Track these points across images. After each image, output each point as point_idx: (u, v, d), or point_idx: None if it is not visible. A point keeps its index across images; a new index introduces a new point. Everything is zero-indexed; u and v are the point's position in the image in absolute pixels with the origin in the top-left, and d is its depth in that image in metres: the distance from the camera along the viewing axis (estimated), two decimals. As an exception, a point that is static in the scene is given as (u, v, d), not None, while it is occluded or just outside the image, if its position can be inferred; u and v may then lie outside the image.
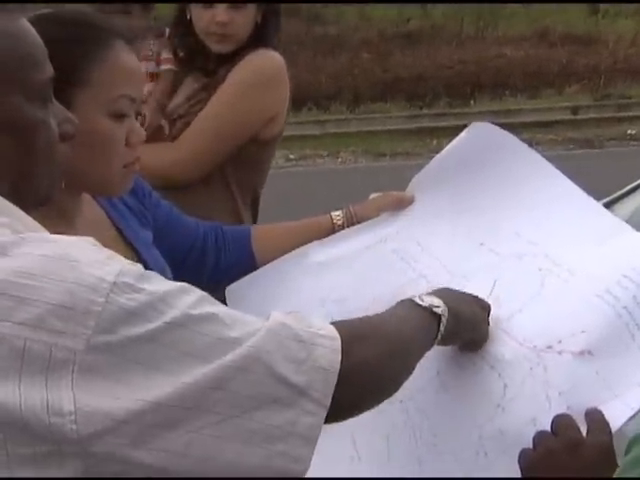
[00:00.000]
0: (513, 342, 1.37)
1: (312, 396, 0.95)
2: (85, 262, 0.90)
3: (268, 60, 2.38)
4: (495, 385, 1.34)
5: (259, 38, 2.37)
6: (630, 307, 1.32)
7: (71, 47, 1.36)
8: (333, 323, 1.04)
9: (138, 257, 1.54)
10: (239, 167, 2.38)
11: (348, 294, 1.61)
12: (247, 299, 1.72)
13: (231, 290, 1.76)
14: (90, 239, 0.96)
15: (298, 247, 1.74)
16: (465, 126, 1.72)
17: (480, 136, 1.68)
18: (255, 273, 1.75)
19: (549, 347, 1.33)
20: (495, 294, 1.44)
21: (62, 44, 1.31)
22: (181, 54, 2.48)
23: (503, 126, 1.69)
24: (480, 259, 1.53)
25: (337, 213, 1.77)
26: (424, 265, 1.58)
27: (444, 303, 1.23)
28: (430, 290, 1.45)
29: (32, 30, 1.03)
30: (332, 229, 1.75)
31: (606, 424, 1.21)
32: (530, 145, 1.67)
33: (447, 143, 1.75)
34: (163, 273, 1.54)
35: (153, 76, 2.52)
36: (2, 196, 0.98)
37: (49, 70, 1.04)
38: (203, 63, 2.42)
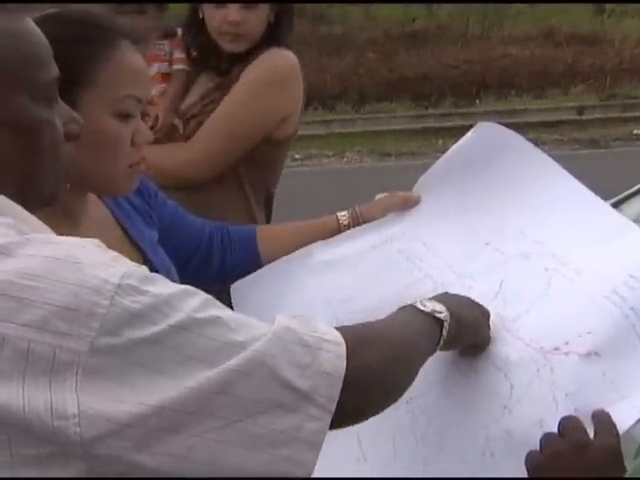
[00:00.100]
0: (520, 343, 1.36)
1: (317, 401, 0.95)
2: (89, 264, 0.90)
3: (281, 59, 2.36)
4: (502, 386, 1.34)
5: (272, 37, 2.35)
6: (637, 308, 1.31)
7: (77, 47, 1.36)
8: (337, 328, 1.04)
9: (143, 257, 1.54)
10: (252, 167, 2.36)
11: (353, 294, 1.61)
12: (251, 298, 1.71)
13: (235, 288, 1.76)
14: (95, 240, 0.96)
15: (304, 247, 1.74)
16: (471, 126, 1.72)
17: (486, 136, 1.68)
18: (260, 272, 1.75)
19: (556, 348, 1.32)
20: (502, 294, 1.44)
21: (68, 44, 1.31)
22: (194, 54, 2.47)
23: (509, 126, 1.68)
24: (486, 259, 1.53)
25: (343, 213, 1.77)
26: (430, 265, 1.58)
27: (446, 308, 1.23)
28: (436, 290, 1.46)
29: (37, 30, 1.03)
30: (338, 229, 1.75)
31: (613, 426, 1.21)
32: (536, 145, 1.67)
33: (453, 143, 1.75)
34: (169, 273, 1.54)
35: (166, 76, 2.51)
36: (7, 196, 0.98)
37: (54, 70, 1.04)
38: (216, 63, 2.40)
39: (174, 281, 1.51)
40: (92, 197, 1.50)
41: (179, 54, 2.51)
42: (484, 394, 1.36)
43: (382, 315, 1.23)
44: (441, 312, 1.22)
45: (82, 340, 0.86)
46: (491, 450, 1.31)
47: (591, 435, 1.20)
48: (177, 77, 2.50)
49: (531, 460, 1.21)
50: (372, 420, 1.09)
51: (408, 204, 1.71)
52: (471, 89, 11.86)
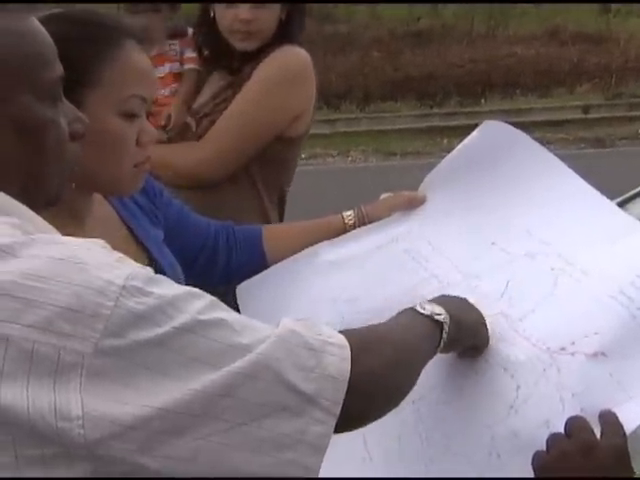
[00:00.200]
0: (526, 343, 1.36)
1: (321, 404, 0.95)
2: (94, 265, 0.90)
3: (294, 56, 2.35)
4: (508, 386, 1.34)
5: (284, 35, 2.34)
6: (644, 308, 1.31)
7: (82, 47, 1.36)
8: (341, 331, 1.04)
9: (149, 256, 1.54)
10: (265, 166, 2.35)
11: (359, 294, 1.61)
12: (257, 298, 1.71)
13: (241, 289, 1.75)
14: (100, 241, 0.95)
15: (309, 246, 1.74)
16: (476, 125, 1.72)
17: (492, 134, 1.67)
18: (266, 272, 1.74)
19: (562, 348, 1.32)
20: (507, 294, 1.44)
21: (73, 43, 1.31)
22: (205, 53, 2.46)
23: (514, 125, 1.68)
24: (492, 259, 1.53)
25: (348, 213, 1.77)
26: (435, 265, 1.57)
27: (445, 310, 1.23)
28: (442, 290, 1.46)
29: (42, 29, 1.03)
30: (343, 229, 1.75)
31: (620, 426, 1.20)
32: (541, 144, 1.67)
33: (458, 142, 1.74)
34: (174, 272, 1.54)
35: (177, 76, 2.51)
36: (12, 196, 0.98)
37: (59, 69, 1.04)
38: (228, 61, 2.39)
39: (180, 280, 1.53)
40: (97, 197, 1.50)
41: (190, 53, 2.51)
42: (490, 394, 1.36)
43: (388, 315, 1.23)
44: (440, 314, 1.22)
45: (86, 341, 0.86)
46: (497, 450, 1.31)
47: (598, 435, 1.20)
48: (188, 76, 2.50)
49: (538, 460, 1.21)
50: (378, 421, 1.09)
51: (413, 204, 1.71)
52: (476, 88, 11.85)
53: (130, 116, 1.40)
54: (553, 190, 1.57)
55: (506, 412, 1.32)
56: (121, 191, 1.50)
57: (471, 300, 1.39)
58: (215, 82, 2.43)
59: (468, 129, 1.76)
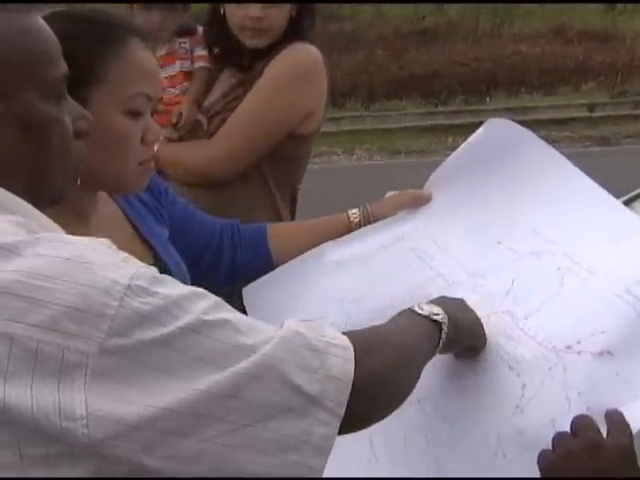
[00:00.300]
0: (532, 342, 1.36)
1: (326, 406, 0.95)
2: (100, 265, 0.89)
3: (304, 54, 2.34)
4: (513, 385, 1.33)
5: (294, 32, 2.33)
6: (650, 307, 1.31)
7: (87, 45, 1.35)
8: (345, 333, 1.04)
9: (155, 255, 1.54)
10: (276, 163, 2.34)
11: (366, 293, 1.60)
12: (265, 299, 1.71)
13: (248, 290, 1.75)
14: (105, 241, 0.95)
15: (314, 245, 1.73)
16: (481, 123, 1.71)
17: (497, 132, 1.67)
18: (272, 273, 1.74)
19: (568, 347, 1.32)
20: (513, 293, 1.43)
21: (78, 41, 1.31)
22: (216, 51, 2.45)
23: (519, 123, 1.67)
24: (497, 257, 1.52)
25: (354, 211, 1.76)
26: (441, 263, 1.57)
27: (443, 311, 1.23)
28: (447, 289, 1.45)
29: (46, 27, 1.03)
30: (349, 227, 1.75)
31: (626, 425, 1.20)
32: (546, 142, 1.66)
33: (463, 140, 1.74)
34: (180, 270, 1.54)
35: (188, 75, 2.51)
36: (16, 194, 0.98)
37: (63, 67, 1.04)
38: (238, 59, 2.38)
39: (185, 279, 1.52)
40: (102, 195, 1.50)
41: (200, 52, 2.51)
42: (496, 393, 1.35)
43: (394, 314, 1.23)
44: (438, 314, 1.22)
45: (91, 341, 0.86)
46: (503, 450, 1.31)
47: (604, 435, 1.19)
48: (199, 75, 2.50)
49: (544, 459, 1.21)
50: (384, 421, 1.08)
51: (419, 202, 1.71)
52: (481, 86, 11.83)
53: (135, 114, 1.40)
54: (559, 188, 1.57)
55: (512, 411, 1.32)
56: (126, 189, 1.50)
57: (477, 298, 1.38)
58: (226, 80, 2.42)
59: (473, 127, 1.76)
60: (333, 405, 0.95)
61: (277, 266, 1.76)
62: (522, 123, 1.68)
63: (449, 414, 1.39)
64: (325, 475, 0.96)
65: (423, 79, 11.80)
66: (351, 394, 0.97)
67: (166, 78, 2.47)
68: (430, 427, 1.40)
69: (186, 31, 2.53)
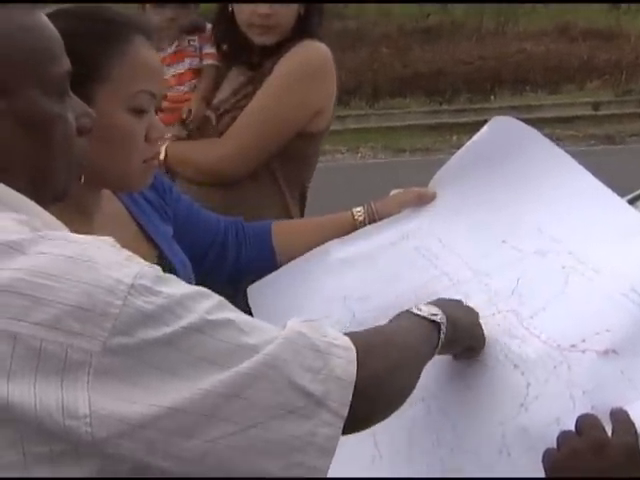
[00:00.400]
0: (536, 340, 1.35)
1: (329, 406, 0.95)
2: (103, 263, 0.89)
3: (314, 51, 2.33)
4: (518, 384, 1.33)
5: (303, 29, 2.32)
6: (656, 305, 1.30)
7: (91, 42, 1.35)
8: (347, 334, 1.04)
9: (159, 253, 1.54)
10: (286, 162, 2.34)
11: (370, 292, 1.60)
12: (270, 298, 1.71)
13: (253, 289, 1.75)
14: (109, 239, 0.95)
15: (319, 243, 1.73)
16: (485, 121, 1.71)
17: (502, 130, 1.67)
18: (277, 272, 1.74)
19: (573, 346, 1.31)
20: (518, 292, 1.43)
21: (82, 39, 1.31)
22: (224, 48, 2.45)
23: (524, 122, 1.67)
24: (502, 256, 1.52)
25: (358, 209, 1.76)
26: (446, 262, 1.57)
27: (442, 311, 1.23)
28: (452, 287, 1.45)
29: (49, 24, 1.02)
30: (353, 225, 1.75)
31: (631, 424, 1.20)
32: (551, 141, 1.66)
33: (467, 139, 1.74)
34: (184, 268, 1.54)
35: (197, 72, 2.51)
36: (19, 191, 0.98)
37: (66, 64, 1.04)
38: (247, 56, 2.38)
39: (190, 277, 1.52)
40: (107, 193, 1.50)
41: (209, 49, 2.51)
42: (500, 392, 1.35)
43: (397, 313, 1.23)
44: (437, 314, 1.22)
45: (94, 340, 0.86)
46: (508, 448, 1.30)
47: (609, 433, 1.19)
48: (207, 72, 2.50)
49: (548, 458, 1.20)
50: (389, 420, 1.08)
51: (423, 200, 1.70)
52: (486, 85, 11.82)
53: (139, 112, 1.40)
54: (564, 187, 1.56)
55: (516, 410, 1.31)
56: (130, 187, 1.50)
57: (481, 297, 1.38)
58: (234, 78, 2.42)
59: (477, 125, 1.75)
60: (336, 406, 0.95)
61: (281, 264, 1.76)
62: (526, 121, 1.68)
63: (454, 413, 1.39)
64: (329, 475, 0.96)
65: (427, 77, 11.79)
66: (353, 395, 0.97)
67: (174, 76, 2.48)
68: (435, 426, 1.40)
69: (195, 29, 2.53)
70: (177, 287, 0.93)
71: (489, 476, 1.31)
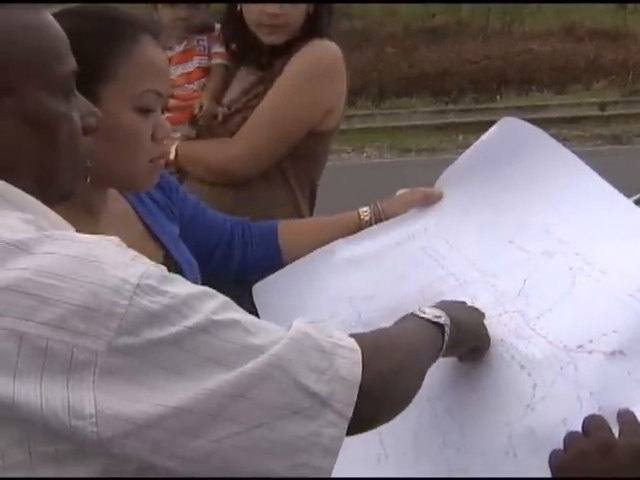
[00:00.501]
0: (543, 341, 1.35)
1: (334, 407, 0.95)
2: (109, 263, 0.89)
3: (324, 51, 2.32)
4: (525, 385, 1.33)
5: (312, 29, 2.32)
6: (663, 306, 1.30)
7: (97, 42, 1.35)
8: (352, 335, 1.04)
9: (166, 252, 1.54)
10: (297, 161, 2.33)
11: (377, 292, 1.60)
12: (275, 297, 1.71)
13: (258, 288, 1.75)
14: (115, 239, 0.95)
15: (325, 242, 1.73)
16: (491, 122, 1.71)
17: (509, 131, 1.66)
18: (282, 271, 1.74)
19: (580, 347, 1.31)
20: (525, 292, 1.43)
21: (88, 38, 1.31)
22: (233, 47, 2.45)
23: (530, 122, 1.67)
24: (509, 257, 1.52)
25: (364, 209, 1.76)
26: (452, 263, 1.57)
27: (445, 313, 1.23)
28: (458, 288, 1.45)
29: (55, 23, 1.02)
30: (359, 225, 1.75)
31: (638, 425, 1.19)
32: (557, 141, 1.65)
33: (473, 139, 1.74)
34: (191, 268, 1.54)
35: (206, 71, 2.51)
36: (25, 191, 0.98)
37: (72, 63, 1.04)
38: (256, 56, 2.38)
39: (196, 276, 1.52)
40: (113, 192, 1.50)
41: (218, 49, 2.51)
42: (507, 392, 1.35)
43: (405, 312, 1.23)
44: (440, 316, 1.22)
45: (100, 340, 0.86)
46: (514, 449, 1.30)
47: (616, 434, 1.19)
48: (216, 71, 2.49)
49: (555, 459, 1.20)
50: (394, 420, 1.08)
51: (430, 200, 1.70)
52: (492, 85, 11.81)
53: (145, 111, 1.40)
54: (571, 188, 1.56)
55: (523, 410, 1.31)
56: (136, 186, 1.50)
57: (488, 298, 1.38)
58: (244, 77, 2.41)
59: (484, 125, 1.75)
60: (341, 406, 0.95)
61: (287, 264, 1.76)
62: (533, 121, 1.68)
63: (460, 413, 1.39)
64: (336, 474, 0.95)
65: (433, 77, 11.79)
66: (358, 396, 0.97)
67: (183, 74, 2.48)
68: (441, 427, 1.40)
69: (204, 28, 2.53)
70: (183, 287, 0.93)
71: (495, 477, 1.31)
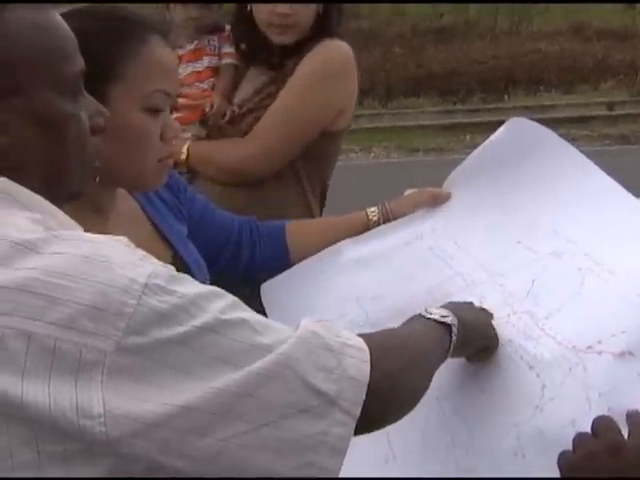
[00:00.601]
0: (552, 341, 1.35)
1: (342, 406, 0.95)
2: (118, 263, 0.89)
3: (336, 51, 2.32)
4: (533, 385, 1.32)
5: (322, 29, 2.32)
6: (672, 307, 1.29)
7: (106, 42, 1.36)
8: (360, 335, 1.04)
9: (174, 252, 1.54)
10: (308, 161, 2.33)
11: (384, 291, 1.60)
12: (283, 296, 1.71)
13: (266, 287, 1.75)
14: (123, 239, 0.95)
15: (333, 242, 1.73)
16: (499, 122, 1.71)
17: (518, 131, 1.66)
18: (290, 271, 1.74)
19: (589, 347, 1.31)
20: (533, 293, 1.42)
21: (96, 38, 1.31)
22: (243, 47, 2.44)
23: (538, 122, 1.67)
24: (517, 257, 1.51)
25: (372, 209, 1.76)
26: (460, 263, 1.56)
27: (452, 314, 1.23)
28: (466, 288, 1.45)
29: (63, 23, 1.03)
30: (367, 225, 1.74)
31: (648, 427, 1.19)
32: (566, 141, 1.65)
33: (481, 139, 1.73)
34: (199, 267, 1.54)
35: (215, 70, 2.52)
36: (33, 191, 0.98)
37: (80, 63, 1.04)
38: (266, 56, 2.37)
39: (204, 276, 1.52)
40: (122, 192, 1.50)
41: (228, 49, 2.51)
42: (515, 393, 1.34)
43: (412, 313, 1.23)
44: (447, 317, 1.22)
45: (109, 339, 0.86)
46: (523, 450, 1.30)
47: (625, 436, 1.18)
48: (225, 71, 2.50)
49: (564, 460, 1.19)
50: (403, 420, 1.08)
51: (438, 200, 1.70)
52: (499, 85, 11.80)
53: (154, 111, 1.40)
54: (579, 188, 1.56)
55: (532, 411, 1.31)
56: (145, 186, 1.50)
57: (497, 298, 1.37)
58: (254, 77, 2.41)
59: (491, 125, 1.75)
60: (349, 405, 0.95)
61: (295, 263, 1.76)
62: (541, 121, 1.68)
63: (468, 414, 1.39)
64: (343, 474, 0.95)
65: (441, 77, 11.78)
66: (366, 395, 0.97)
67: (193, 73, 2.48)
68: (449, 427, 1.40)
69: (215, 28, 2.53)
70: (191, 286, 0.93)
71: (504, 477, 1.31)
